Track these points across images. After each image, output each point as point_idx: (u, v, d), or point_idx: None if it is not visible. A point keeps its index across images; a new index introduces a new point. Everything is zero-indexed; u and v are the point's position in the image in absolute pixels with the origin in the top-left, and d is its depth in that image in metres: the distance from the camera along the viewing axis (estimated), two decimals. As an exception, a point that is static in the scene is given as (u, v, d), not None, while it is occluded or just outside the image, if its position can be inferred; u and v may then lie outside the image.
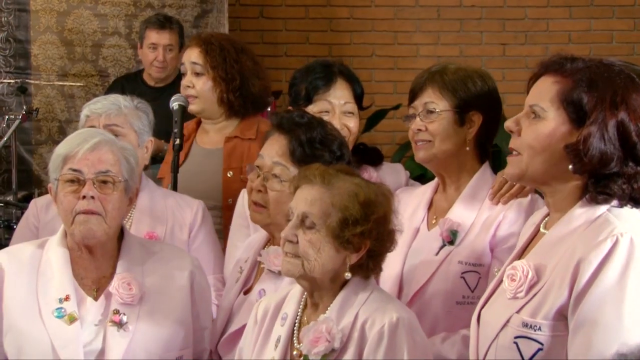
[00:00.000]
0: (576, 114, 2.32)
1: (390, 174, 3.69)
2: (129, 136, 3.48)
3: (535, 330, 2.30)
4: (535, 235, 2.51)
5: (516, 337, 2.33)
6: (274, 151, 3.07)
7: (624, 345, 2.17)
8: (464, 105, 3.09)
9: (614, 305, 2.22)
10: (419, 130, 3.12)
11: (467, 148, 3.12)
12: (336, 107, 3.59)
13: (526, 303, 2.34)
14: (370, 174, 3.59)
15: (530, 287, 2.35)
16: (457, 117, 3.10)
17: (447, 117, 3.09)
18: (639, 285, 2.23)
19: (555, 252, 2.35)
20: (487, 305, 2.49)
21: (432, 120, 3.10)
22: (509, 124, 2.43)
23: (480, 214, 3.08)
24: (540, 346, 2.30)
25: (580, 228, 2.33)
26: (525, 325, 2.32)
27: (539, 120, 2.37)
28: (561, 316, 2.29)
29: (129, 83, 5.94)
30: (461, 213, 3.09)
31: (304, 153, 3.02)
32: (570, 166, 2.33)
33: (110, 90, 5.67)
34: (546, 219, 2.49)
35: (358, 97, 3.66)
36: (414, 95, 3.16)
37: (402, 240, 3.04)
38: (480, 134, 3.13)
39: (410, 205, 3.23)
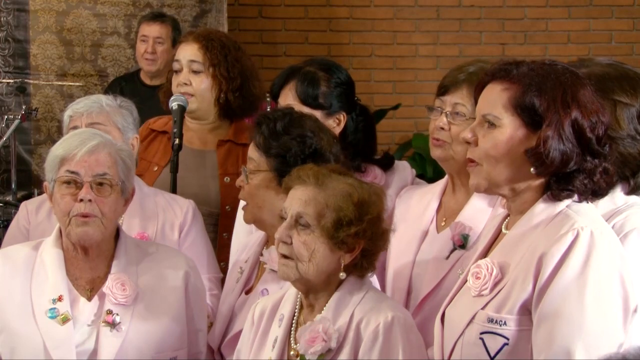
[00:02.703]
0: (531, 118, 2.36)
1: (396, 172, 3.66)
2: (112, 133, 3.45)
3: (500, 325, 2.32)
4: (497, 236, 2.54)
5: (482, 333, 2.35)
6: (250, 149, 3.10)
7: (615, 355, 2.19)
8: None
9: (576, 297, 2.25)
10: (442, 128, 3.09)
11: None
12: None
13: (491, 299, 2.36)
14: (375, 173, 3.58)
15: (495, 284, 2.37)
16: None
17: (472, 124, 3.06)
18: (600, 277, 2.27)
19: (518, 249, 2.38)
20: (451, 304, 2.51)
21: (457, 123, 3.06)
22: (465, 135, 2.46)
23: (492, 217, 3.06)
24: (506, 341, 2.32)
25: (542, 224, 2.37)
26: (490, 320, 2.34)
27: (494, 128, 2.39)
28: (526, 310, 2.31)
29: (127, 83, 5.96)
30: (472, 216, 3.07)
31: (267, 141, 3.03)
32: (532, 169, 2.36)
33: (108, 90, 5.67)
34: (507, 220, 2.52)
35: (304, 98, 3.54)
36: (445, 90, 3.11)
37: (410, 242, 3.04)
38: None
39: (418, 204, 3.22)
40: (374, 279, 2.88)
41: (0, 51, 6.38)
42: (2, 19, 6.37)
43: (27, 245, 3.08)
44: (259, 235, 3.23)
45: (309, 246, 2.59)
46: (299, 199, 2.63)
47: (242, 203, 3.29)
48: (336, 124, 3.57)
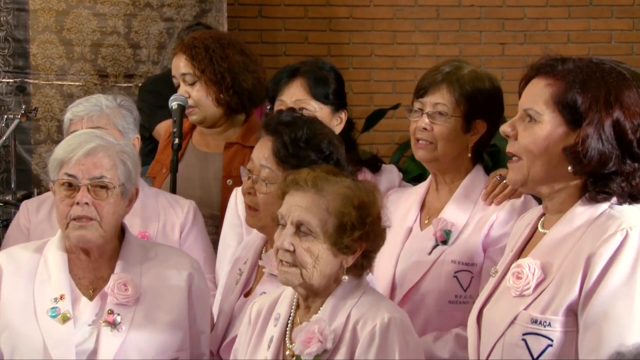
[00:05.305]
0: (571, 116, 2.34)
1: (384, 174, 3.67)
2: (113, 136, 3.45)
3: (544, 327, 2.30)
4: (532, 235, 2.51)
5: (525, 334, 2.33)
6: (261, 154, 3.03)
7: (622, 345, 2.17)
8: (473, 113, 3.09)
9: (625, 299, 2.23)
10: (424, 129, 3.10)
11: (469, 155, 3.12)
12: (289, 105, 3.48)
13: (534, 300, 2.34)
14: (365, 175, 3.58)
15: (538, 285, 2.35)
16: (464, 124, 3.09)
17: (455, 122, 3.08)
18: None
19: (560, 250, 2.36)
20: (489, 304, 2.48)
21: (439, 122, 3.08)
22: (505, 129, 2.44)
23: (474, 214, 3.09)
24: (550, 342, 2.30)
25: (583, 226, 2.35)
26: (534, 321, 2.32)
27: (534, 123, 2.38)
28: (571, 312, 2.29)
29: (164, 86, 5.80)
30: (454, 213, 3.10)
31: (288, 153, 2.98)
32: (570, 168, 2.34)
33: (141, 98, 5.46)
34: (542, 218, 2.49)
35: (316, 94, 3.57)
36: (424, 91, 3.12)
37: (394, 240, 3.04)
38: (481, 141, 3.14)
39: (403, 205, 3.24)
40: (372, 278, 2.88)
41: (0, 51, 6.38)
42: (1, 18, 6.36)
43: (32, 245, 3.09)
44: (256, 236, 3.21)
45: (313, 253, 2.57)
46: (298, 205, 2.59)
47: (243, 206, 3.28)
48: (338, 122, 3.59)
